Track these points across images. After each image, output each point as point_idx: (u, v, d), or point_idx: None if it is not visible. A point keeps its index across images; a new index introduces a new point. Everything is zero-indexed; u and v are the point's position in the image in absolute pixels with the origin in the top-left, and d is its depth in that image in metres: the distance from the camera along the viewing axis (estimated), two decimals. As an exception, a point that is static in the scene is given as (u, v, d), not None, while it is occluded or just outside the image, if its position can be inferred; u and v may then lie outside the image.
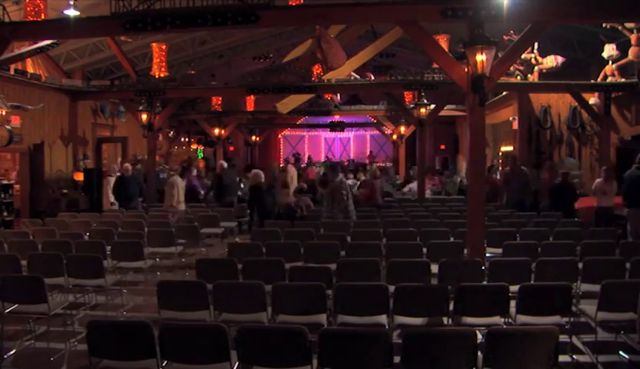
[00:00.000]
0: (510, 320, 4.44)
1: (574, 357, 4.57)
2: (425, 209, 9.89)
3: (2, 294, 4.76)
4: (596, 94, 11.52)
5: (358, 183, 12.38)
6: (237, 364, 3.42)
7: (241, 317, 4.42)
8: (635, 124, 11.06)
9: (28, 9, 9.71)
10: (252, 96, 17.99)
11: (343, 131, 24.63)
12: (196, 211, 10.18)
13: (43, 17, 9.64)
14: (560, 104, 13.18)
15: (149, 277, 7.08)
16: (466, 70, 5.89)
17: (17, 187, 11.63)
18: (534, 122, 13.91)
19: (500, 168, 14.50)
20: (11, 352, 4.78)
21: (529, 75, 12.45)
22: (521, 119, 14.31)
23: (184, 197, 9.84)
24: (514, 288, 4.38)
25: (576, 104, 11.89)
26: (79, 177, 12.80)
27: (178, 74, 16.58)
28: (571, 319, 4.58)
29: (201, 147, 23.77)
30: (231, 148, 24.09)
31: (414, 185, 13.73)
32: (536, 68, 12.29)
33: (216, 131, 18.52)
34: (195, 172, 13.41)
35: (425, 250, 6.18)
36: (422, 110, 13.67)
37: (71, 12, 9.80)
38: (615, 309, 4.40)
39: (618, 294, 4.33)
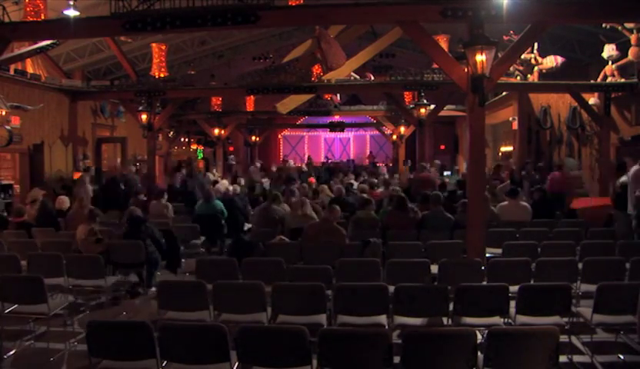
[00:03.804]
0: (510, 320, 4.44)
1: (573, 357, 4.57)
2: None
3: (2, 294, 4.77)
4: (596, 94, 11.50)
5: None
6: (237, 364, 3.42)
7: (241, 317, 4.42)
8: (634, 124, 11.05)
9: (28, 9, 9.70)
10: (252, 96, 17.98)
11: (343, 131, 24.62)
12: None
13: (43, 17, 9.64)
14: (560, 104, 13.18)
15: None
16: (466, 70, 5.88)
17: (17, 187, 11.64)
18: (534, 122, 13.90)
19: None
20: (11, 352, 4.78)
21: (529, 75, 12.44)
22: (520, 119, 14.31)
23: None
24: (514, 288, 4.38)
25: (576, 104, 11.88)
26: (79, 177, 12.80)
27: (178, 75, 16.57)
28: (571, 319, 4.58)
29: (200, 148, 23.78)
30: (231, 148, 24.10)
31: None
32: (536, 68, 12.27)
33: (216, 131, 18.52)
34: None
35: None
36: (422, 110, 13.68)
37: (71, 12, 9.80)
38: (612, 312, 4.38)
39: (614, 296, 4.32)
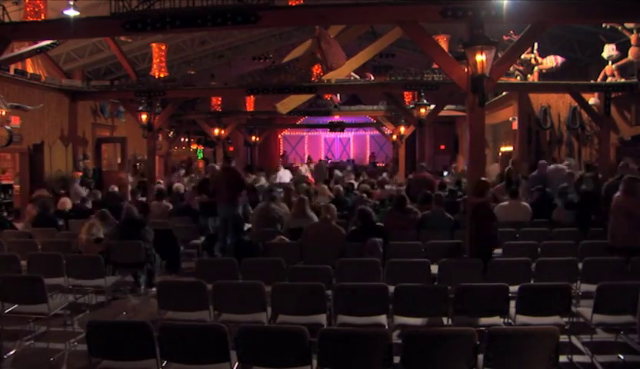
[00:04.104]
0: (510, 320, 4.44)
1: (573, 357, 4.57)
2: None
3: (2, 294, 4.77)
4: (596, 94, 11.52)
5: None
6: (237, 364, 3.42)
7: (241, 317, 4.42)
8: (634, 124, 11.06)
9: (28, 9, 9.71)
10: (252, 96, 17.99)
11: (343, 131, 24.61)
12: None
13: (43, 17, 9.64)
14: (560, 104, 13.18)
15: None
16: (466, 70, 5.89)
17: (17, 187, 11.64)
18: (534, 122, 13.89)
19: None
20: (11, 352, 4.78)
21: (529, 75, 12.45)
22: (520, 119, 14.29)
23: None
24: (514, 288, 4.38)
25: (576, 104, 11.88)
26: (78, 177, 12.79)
27: (178, 75, 16.58)
28: (571, 319, 4.58)
29: (200, 148, 23.78)
30: (231, 148, 24.11)
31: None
32: (536, 68, 12.28)
33: (216, 131, 18.53)
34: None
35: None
36: (422, 110, 13.68)
37: (71, 12, 9.80)
38: (612, 312, 4.38)
39: (614, 296, 4.32)
